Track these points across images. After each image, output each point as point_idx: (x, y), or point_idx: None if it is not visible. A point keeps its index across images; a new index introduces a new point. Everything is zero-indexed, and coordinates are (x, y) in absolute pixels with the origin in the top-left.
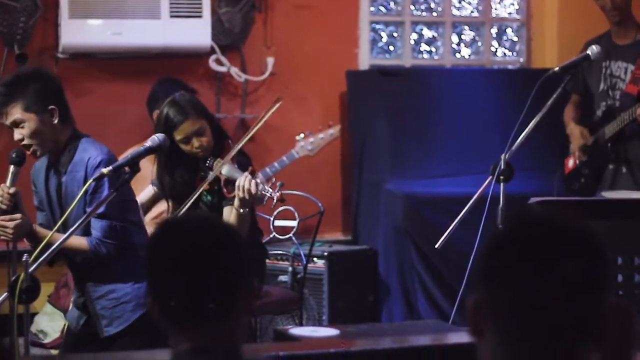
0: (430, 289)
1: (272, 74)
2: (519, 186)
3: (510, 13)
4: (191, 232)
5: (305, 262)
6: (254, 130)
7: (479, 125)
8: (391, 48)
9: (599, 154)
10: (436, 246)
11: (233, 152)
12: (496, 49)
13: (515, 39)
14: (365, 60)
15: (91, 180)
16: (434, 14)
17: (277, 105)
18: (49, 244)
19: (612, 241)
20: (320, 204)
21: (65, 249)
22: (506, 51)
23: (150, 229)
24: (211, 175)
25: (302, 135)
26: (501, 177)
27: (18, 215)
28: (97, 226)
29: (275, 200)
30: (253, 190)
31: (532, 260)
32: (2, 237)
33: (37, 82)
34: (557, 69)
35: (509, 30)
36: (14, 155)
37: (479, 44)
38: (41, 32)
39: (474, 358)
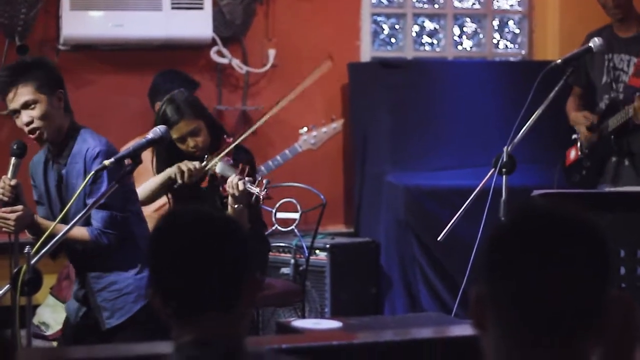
0: (432, 281)
1: (273, 66)
2: (520, 179)
3: (512, 5)
4: (194, 225)
5: (307, 255)
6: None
7: (480, 118)
8: (393, 40)
9: (602, 147)
10: (438, 239)
11: (226, 150)
12: (498, 41)
13: (517, 31)
14: (367, 52)
15: (93, 172)
16: (436, 6)
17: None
18: (51, 236)
19: (615, 234)
20: (322, 196)
21: (66, 239)
22: (508, 43)
23: (152, 221)
24: (203, 165)
25: (305, 129)
26: (503, 170)
27: (19, 207)
28: (97, 217)
29: (262, 199)
30: (240, 188)
31: (533, 252)
32: (3, 229)
33: (43, 67)
34: (559, 61)
35: (510, 23)
36: (15, 147)
37: (481, 36)
38: (42, 23)
39: (476, 350)
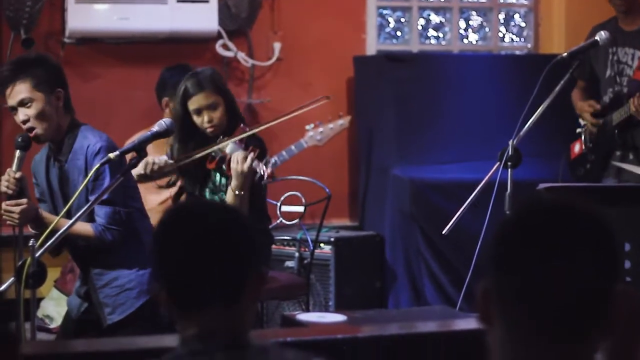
0: (437, 275)
1: (279, 59)
2: (525, 172)
3: None
4: (200, 218)
5: (312, 248)
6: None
7: (486, 111)
8: (398, 33)
9: (606, 140)
10: (443, 232)
11: (244, 135)
12: (504, 34)
13: (523, 24)
14: (372, 45)
15: (99, 164)
16: None
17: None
18: (54, 230)
19: (620, 227)
20: (327, 189)
21: (70, 235)
22: (514, 37)
23: (156, 215)
24: (215, 148)
25: (312, 124)
26: (509, 163)
27: (24, 200)
28: (101, 213)
29: (265, 177)
30: (246, 162)
31: (538, 247)
32: (8, 222)
33: (44, 64)
34: (565, 54)
35: (516, 16)
36: (19, 140)
37: (487, 29)
38: (47, 16)
39: (481, 344)
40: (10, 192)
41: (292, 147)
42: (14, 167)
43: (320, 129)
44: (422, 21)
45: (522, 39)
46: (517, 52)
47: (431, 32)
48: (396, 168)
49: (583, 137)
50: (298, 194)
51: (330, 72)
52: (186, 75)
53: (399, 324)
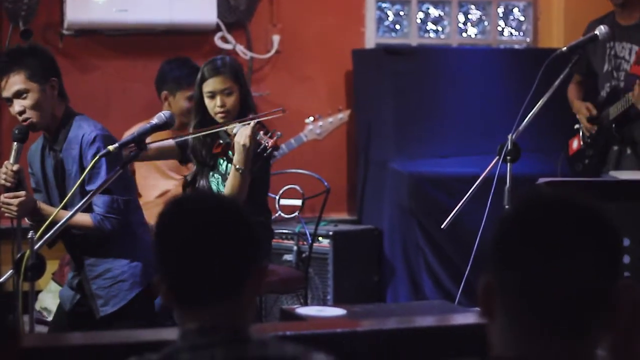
0: (435, 269)
1: (277, 52)
2: (523, 167)
3: None
4: (201, 211)
5: (310, 242)
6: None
7: (485, 105)
8: (397, 27)
9: (604, 136)
10: (442, 226)
11: (251, 121)
12: (503, 28)
13: (522, 18)
14: (371, 39)
15: (99, 156)
16: None
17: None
18: (53, 222)
19: (620, 222)
20: (326, 183)
21: (69, 226)
22: (513, 31)
23: (156, 208)
24: (221, 129)
25: (311, 118)
26: (508, 158)
27: (22, 193)
28: (99, 202)
29: (269, 148)
30: (249, 132)
31: (539, 242)
32: (6, 214)
33: (37, 55)
34: (564, 49)
35: (515, 10)
36: (16, 132)
37: (486, 23)
38: (46, 8)
39: (480, 339)
40: (8, 184)
41: (292, 140)
42: (12, 159)
43: (320, 123)
44: (421, 14)
45: (521, 33)
46: (516, 46)
47: (430, 26)
48: (395, 162)
49: (581, 133)
50: (297, 187)
51: (329, 65)
52: (206, 61)
53: (399, 318)
